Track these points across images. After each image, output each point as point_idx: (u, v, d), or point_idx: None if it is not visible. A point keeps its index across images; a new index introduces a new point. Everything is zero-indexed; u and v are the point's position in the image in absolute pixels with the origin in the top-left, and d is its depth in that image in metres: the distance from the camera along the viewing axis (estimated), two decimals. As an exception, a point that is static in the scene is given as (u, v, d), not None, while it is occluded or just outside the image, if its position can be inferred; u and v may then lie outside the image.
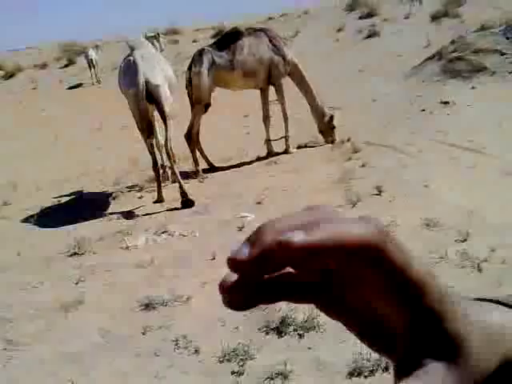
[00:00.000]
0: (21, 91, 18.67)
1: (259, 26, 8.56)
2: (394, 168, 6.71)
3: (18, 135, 13.78)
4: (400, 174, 6.51)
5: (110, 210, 6.31)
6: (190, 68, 7.63)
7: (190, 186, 7.00)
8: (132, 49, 6.73)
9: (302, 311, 3.55)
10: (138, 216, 6.07)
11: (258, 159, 8.04)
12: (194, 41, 21.53)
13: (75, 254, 5.04)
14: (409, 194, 5.74)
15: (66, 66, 21.12)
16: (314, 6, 26.38)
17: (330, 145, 8.18)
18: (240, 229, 5.24)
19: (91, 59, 18.31)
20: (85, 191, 7.53)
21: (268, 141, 8.17)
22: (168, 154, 6.59)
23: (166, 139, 6.57)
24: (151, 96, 6.33)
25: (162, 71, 6.65)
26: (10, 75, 20.43)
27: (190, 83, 7.60)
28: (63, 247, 5.18)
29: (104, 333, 3.63)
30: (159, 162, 6.92)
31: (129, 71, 6.45)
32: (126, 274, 4.51)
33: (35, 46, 24.68)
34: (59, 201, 7.13)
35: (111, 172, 8.54)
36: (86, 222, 5.98)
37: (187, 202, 6.29)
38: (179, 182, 6.39)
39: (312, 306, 0.39)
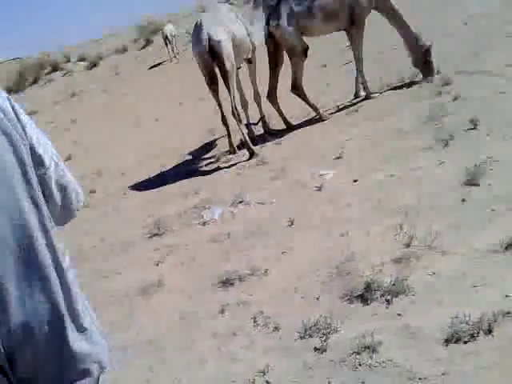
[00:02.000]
0: (104, 79, 19.32)
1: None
2: (490, 97, 5.97)
3: (102, 122, 14.29)
4: (498, 102, 5.77)
5: (185, 186, 6.23)
6: (267, 22, 7.26)
7: (267, 149, 6.76)
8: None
9: (388, 274, 3.21)
10: (214, 187, 5.95)
11: (339, 109, 7.58)
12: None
13: (155, 234, 5.01)
14: (509, 124, 5.05)
15: (144, 46, 21.48)
16: None
17: (420, 81, 7.47)
18: (318, 188, 4.92)
19: (166, 36, 18.43)
20: (164, 169, 7.54)
21: (361, 84, 7.67)
22: (233, 113, 6.79)
23: (231, 98, 6.79)
24: (214, 52, 6.58)
25: (226, 29, 6.78)
26: (92, 65, 21.19)
27: (271, 38, 7.26)
28: (144, 229, 5.18)
29: (182, 315, 3.53)
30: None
31: (195, 32, 6.84)
32: (203, 251, 4.38)
33: (114, 29, 25.33)
34: (140, 183, 7.20)
35: (189, 146, 8.51)
36: (164, 202, 5.95)
37: (252, 154, 6.67)
38: (244, 139, 6.78)
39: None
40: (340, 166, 5.35)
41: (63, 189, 1.36)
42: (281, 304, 3.31)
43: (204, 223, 4.97)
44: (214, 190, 5.87)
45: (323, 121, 7.26)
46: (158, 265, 4.34)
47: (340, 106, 7.67)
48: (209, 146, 8.06)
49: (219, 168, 6.73)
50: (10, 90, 21.17)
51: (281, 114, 7.60)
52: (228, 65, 6.66)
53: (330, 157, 5.70)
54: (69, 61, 22.11)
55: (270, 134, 7.43)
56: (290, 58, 7.31)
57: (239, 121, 6.88)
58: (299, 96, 7.42)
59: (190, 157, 7.91)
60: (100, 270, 4.59)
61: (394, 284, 3.08)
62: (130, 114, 14.58)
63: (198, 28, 6.73)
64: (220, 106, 6.97)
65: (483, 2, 10.92)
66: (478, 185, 3.99)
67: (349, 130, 6.47)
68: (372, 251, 3.54)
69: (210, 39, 6.57)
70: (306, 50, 7.27)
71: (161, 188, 6.74)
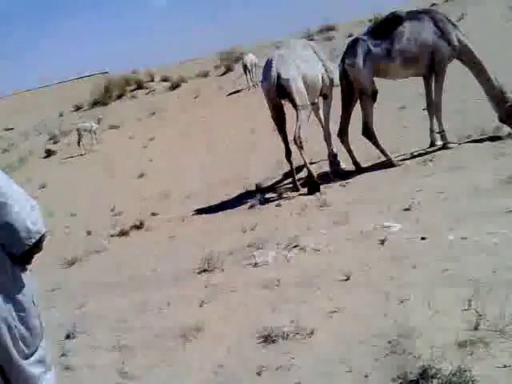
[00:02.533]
0: (184, 101, 19.67)
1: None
2: None
3: (177, 143, 14.43)
4: None
5: (243, 221, 5.97)
6: (343, 60, 7.05)
7: (332, 191, 6.41)
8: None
9: (449, 360, 2.76)
10: (272, 225, 5.65)
11: (412, 156, 7.12)
12: (350, 35, 20.66)
13: (205, 270, 4.77)
14: None
15: (225, 73, 21.78)
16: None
17: (503, 137, 6.90)
18: (382, 242, 4.49)
19: (245, 65, 18.58)
20: (227, 199, 7.36)
21: (434, 132, 7.22)
22: (295, 140, 6.79)
23: (296, 128, 6.79)
24: (283, 89, 6.68)
25: (297, 67, 6.87)
26: (175, 86, 21.69)
27: (345, 76, 7.02)
28: (195, 263, 4.95)
29: (217, 369, 3.23)
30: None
31: (265, 68, 7.03)
32: (250, 296, 4.07)
33: (200, 56, 25.93)
34: (201, 210, 7.05)
35: (255, 176, 8.30)
36: (220, 234, 5.73)
37: (312, 186, 6.57)
38: (306, 165, 6.82)
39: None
40: (407, 220, 4.90)
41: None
42: (323, 375, 2.93)
43: (255, 264, 4.67)
44: (272, 228, 5.57)
45: (394, 166, 6.83)
46: (201, 305, 4.07)
47: (414, 153, 7.20)
48: (274, 179, 7.82)
49: (280, 205, 6.44)
50: (96, 103, 22.09)
51: (350, 153, 7.25)
52: (298, 100, 6.73)
53: (397, 207, 5.27)
54: (153, 80, 22.77)
55: (336, 175, 7.09)
56: (361, 99, 7.00)
57: (301, 147, 6.79)
58: (369, 139, 7.05)
59: (254, 188, 7.69)
60: (146, 302, 4.38)
61: (454, 374, 2.63)
62: (204, 137, 14.69)
63: (268, 65, 6.85)
64: (285, 141, 6.95)
65: None
66: None
67: (420, 181, 6.01)
68: (433, 328, 3.09)
69: (278, 77, 6.66)
70: (375, 93, 6.96)
71: (220, 217, 6.54)
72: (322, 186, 6.66)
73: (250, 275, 4.47)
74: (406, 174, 6.42)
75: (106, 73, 25.08)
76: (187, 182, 9.55)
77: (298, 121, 6.84)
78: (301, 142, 6.80)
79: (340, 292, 3.81)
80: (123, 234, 6.59)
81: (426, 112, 7.84)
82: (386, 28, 6.91)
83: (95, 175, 13.02)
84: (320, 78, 7.29)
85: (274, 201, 6.67)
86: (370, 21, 21.67)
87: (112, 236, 6.69)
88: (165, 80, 22.54)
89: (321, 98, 7.72)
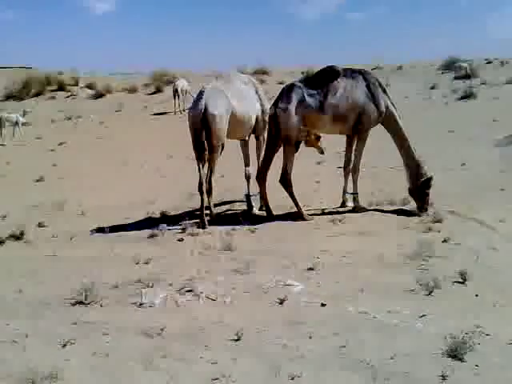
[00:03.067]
0: (106, 112, 18.74)
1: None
2: (482, 250, 5.35)
3: (88, 154, 13.52)
4: (490, 259, 5.15)
5: (139, 250, 5.37)
6: (275, 104, 6.73)
7: (239, 235, 5.99)
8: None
9: None
10: (169, 261, 5.11)
11: (323, 213, 6.92)
12: (281, 82, 20.90)
13: (80, 302, 4.10)
14: (502, 290, 4.39)
15: (154, 93, 21.15)
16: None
17: (408, 209, 6.91)
18: (281, 302, 4.11)
19: (176, 89, 18.13)
20: (126, 223, 6.71)
21: (346, 192, 7.11)
22: (200, 185, 6.53)
23: (207, 172, 6.56)
24: (206, 123, 6.36)
25: (228, 103, 6.57)
26: (99, 95, 20.70)
27: (274, 120, 6.70)
28: (71, 291, 4.26)
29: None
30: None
31: (197, 96, 6.66)
32: (125, 344, 3.48)
33: (130, 72, 25.06)
34: (93, 230, 6.34)
35: (162, 204, 7.73)
36: (109, 262, 5.09)
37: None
38: (210, 208, 6.64)
39: None
40: (310, 281, 4.57)
41: None
42: None
43: (140, 305, 4.09)
44: (168, 264, 5.02)
45: (304, 220, 6.58)
46: (64, 346, 3.42)
47: (324, 210, 7.02)
48: (182, 212, 7.29)
49: (182, 239, 5.92)
50: (10, 96, 20.50)
51: (264, 198, 6.94)
52: (214, 140, 6.45)
53: (301, 265, 4.94)
54: (76, 84, 21.62)
55: (247, 218, 6.73)
56: (284, 146, 6.74)
57: (208, 194, 6.59)
58: (285, 188, 6.77)
59: (158, 216, 7.10)
60: (4, 331, 3.64)
61: None
62: (119, 153, 13.88)
63: (199, 95, 6.57)
64: (200, 171, 6.54)
65: (478, 148, 10.72)
66: (463, 360, 3.22)
67: (328, 240, 5.77)
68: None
69: (205, 109, 6.38)
70: (298, 143, 6.74)
71: (114, 242, 5.88)
72: (229, 227, 6.25)
73: (132, 317, 3.88)
74: (315, 231, 6.18)
75: (30, 68, 23.47)
76: (88, 196, 8.75)
77: (210, 163, 6.52)
78: (209, 189, 6.58)
79: (227, 355, 3.33)
80: (2, 240, 5.72)
81: (340, 171, 7.79)
82: (321, 80, 6.76)
83: None
84: (254, 117, 7.00)
85: (176, 233, 6.12)
86: (303, 73, 22.19)
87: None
88: (89, 87, 21.46)
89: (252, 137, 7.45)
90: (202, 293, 4.25)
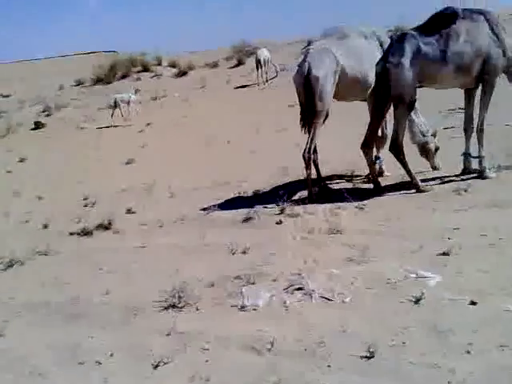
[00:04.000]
0: (190, 89, 18.32)
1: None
2: None
3: (175, 133, 13.12)
4: None
5: (234, 237, 4.65)
6: (384, 58, 5.69)
7: (345, 217, 5.09)
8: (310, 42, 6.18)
9: None
10: (270, 250, 4.34)
11: (442, 182, 5.83)
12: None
13: (173, 306, 3.46)
14: None
15: (236, 65, 20.43)
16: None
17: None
18: (416, 300, 3.20)
19: (259, 60, 17.26)
20: (217, 204, 6.03)
21: (469, 156, 5.98)
22: (303, 156, 5.90)
23: (307, 140, 5.89)
24: (310, 87, 5.70)
25: (332, 64, 5.79)
26: (182, 73, 20.36)
27: (383, 77, 5.65)
28: (162, 292, 3.63)
29: None
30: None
31: (301, 58, 5.97)
32: (229, 363, 2.77)
33: (209, 49, 24.46)
34: (183, 216, 5.72)
35: (255, 182, 7.00)
36: (202, 254, 4.41)
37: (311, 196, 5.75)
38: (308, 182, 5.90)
39: None
40: (448, 270, 3.60)
41: None
42: None
43: (242, 307, 3.37)
44: (269, 254, 4.26)
45: (420, 192, 5.54)
46: (156, 367, 2.76)
47: (445, 179, 5.91)
48: (277, 189, 6.51)
49: (281, 222, 5.13)
50: (99, 80, 20.70)
51: (372, 168, 5.98)
52: (318, 105, 5.72)
53: (431, 249, 3.97)
54: (160, 64, 21.40)
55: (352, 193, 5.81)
56: (396, 108, 5.66)
57: (307, 166, 5.90)
58: (396, 156, 5.74)
59: (252, 196, 6.38)
60: (80, 346, 3.07)
61: None
62: (204, 130, 13.35)
63: (304, 55, 5.89)
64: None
65: None
66: None
67: (456, 216, 4.71)
68: None
69: (308, 71, 5.70)
70: (413, 102, 5.63)
71: (205, 228, 5.22)
72: (333, 206, 5.37)
73: (233, 324, 3.16)
74: (436, 205, 5.12)
75: (115, 52, 23.64)
76: (176, 177, 8.22)
77: (310, 133, 5.87)
78: (309, 159, 5.90)
79: (359, 381, 2.51)
80: (85, 233, 5.25)
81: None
82: (437, 25, 5.59)
83: (80, 155, 11.65)
84: (373, 75, 6.01)
85: (274, 215, 5.34)
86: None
87: (71, 234, 5.35)
88: (172, 66, 21.18)
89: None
90: (314, 291, 3.44)
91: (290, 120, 13.56)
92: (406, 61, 5.41)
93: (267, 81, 17.80)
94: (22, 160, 11.54)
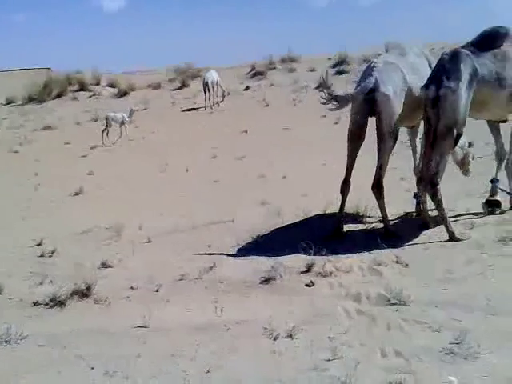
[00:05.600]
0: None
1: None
2: None
3: (123, 157, 11.60)
4: None
5: (260, 313, 3.41)
6: (437, 81, 4.67)
7: (390, 275, 4.02)
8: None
9: None
10: (328, 338, 3.14)
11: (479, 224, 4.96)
12: (312, 69, 18.82)
13: None
14: None
15: (180, 88, 19.10)
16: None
17: None
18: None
19: (206, 82, 16.11)
20: (215, 254, 4.77)
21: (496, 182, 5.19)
22: (373, 186, 4.92)
23: (377, 167, 4.95)
24: (374, 105, 4.82)
25: (403, 80, 4.96)
26: (122, 93, 18.71)
27: (435, 104, 4.65)
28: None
29: None
30: None
31: (364, 73, 5.14)
32: None
33: (149, 69, 22.89)
34: (181, 275, 4.35)
35: (244, 223, 5.81)
36: (234, 345, 3.11)
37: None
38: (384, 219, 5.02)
39: None
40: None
41: None
42: None
43: None
44: (327, 339, 3.06)
45: (457, 240, 4.62)
46: None
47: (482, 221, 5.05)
48: (279, 233, 5.34)
49: (312, 284, 3.95)
50: (32, 99, 18.53)
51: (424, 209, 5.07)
52: (387, 126, 4.82)
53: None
54: (98, 84, 19.60)
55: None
56: (442, 139, 4.67)
57: (379, 196, 4.93)
58: (433, 197, 4.78)
59: (252, 242, 5.17)
60: None
61: None
62: (156, 155, 11.91)
63: (368, 70, 4.99)
64: (351, 167, 5.09)
65: None
66: None
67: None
68: None
69: (375, 88, 4.76)
70: (460, 135, 4.73)
71: (216, 294, 3.93)
72: (367, 256, 4.31)
73: None
74: (490, 259, 4.20)
75: (49, 69, 21.42)
76: (141, 214, 6.84)
77: (380, 156, 4.93)
78: (381, 188, 4.91)
79: None
80: (55, 303, 3.78)
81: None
82: (490, 44, 4.75)
83: (18, 184, 9.83)
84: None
85: (300, 273, 4.15)
86: (329, 59, 20.02)
87: (35, 304, 3.83)
88: (111, 86, 19.43)
89: None
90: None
91: (246, 147, 12.62)
92: (464, 85, 4.49)
93: (214, 104, 16.68)
94: None
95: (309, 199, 7.10)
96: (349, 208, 5.42)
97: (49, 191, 9.32)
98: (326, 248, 4.47)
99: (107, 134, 13.39)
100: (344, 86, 17.32)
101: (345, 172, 5.10)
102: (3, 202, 8.52)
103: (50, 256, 5.20)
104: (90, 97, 18.85)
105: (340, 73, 17.83)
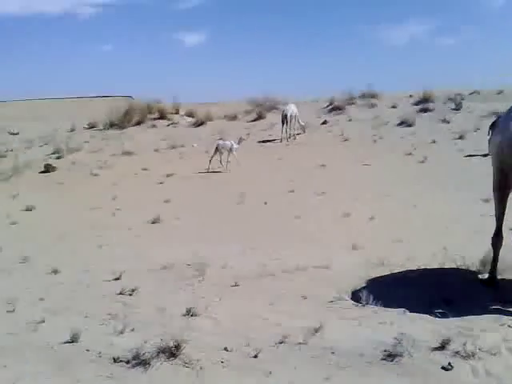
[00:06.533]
0: (209, 140, 16.49)
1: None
2: None
3: (200, 187, 11.15)
4: None
5: None
6: None
7: None
8: None
9: None
10: None
11: None
12: (393, 106, 17.92)
13: None
14: None
15: (256, 119, 18.77)
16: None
17: None
18: None
19: (286, 114, 15.64)
20: (317, 313, 3.97)
21: None
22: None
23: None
24: None
25: None
26: (200, 123, 18.62)
27: None
28: None
29: None
30: None
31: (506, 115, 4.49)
32: None
33: (226, 100, 22.78)
34: (282, 337, 3.60)
35: (343, 272, 5.02)
36: None
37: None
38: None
39: None
40: None
41: None
42: None
43: None
44: None
45: None
46: None
47: None
48: (384, 288, 4.49)
49: (449, 367, 3.07)
50: (113, 125, 18.83)
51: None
52: None
53: None
54: (177, 113, 19.65)
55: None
56: None
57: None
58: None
59: (361, 299, 4.34)
60: None
61: None
62: (232, 185, 11.44)
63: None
64: (501, 216, 4.44)
65: None
66: None
67: None
68: None
69: None
70: None
71: (328, 369, 3.15)
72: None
73: None
74: None
75: (130, 97, 21.87)
76: (223, 248, 6.25)
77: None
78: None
79: None
80: (139, 362, 3.14)
81: None
82: None
83: (96, 209, 9.58)
84: None
85: (431, 350, 3.27)
86: (411, 96, 19.04)
87: (116, 361, 3.19)
88: (190, 115, 19.42)
89: None
90: None
91: (325, 181, 11.87)
92: None
93: (290, 137, 16.14)
94: (28, 209, 9.40)
95: (406, 246, 6.25)
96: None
97: (126, 217, 8.99)
98: (454, 311, 3.58)
99: (220, 160, 13.24)
100: (428, 124, 16.58)
101: (495, 222, 4.29)
102: (81, 227, 8.23)
103: (129, 294, 4.62)
104: (169, 125, 18.90)
105: (424, 110, 16.81)
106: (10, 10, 55.36)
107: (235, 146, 13.50)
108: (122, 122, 18.78)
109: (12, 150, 16.16)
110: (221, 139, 14.06)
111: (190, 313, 4.05)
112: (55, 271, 5.44)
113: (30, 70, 47.95)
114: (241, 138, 14.03)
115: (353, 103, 18.17)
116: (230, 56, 53.09)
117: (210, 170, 13.08)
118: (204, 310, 4.14)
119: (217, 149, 13.32)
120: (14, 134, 19.39)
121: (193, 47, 56.94)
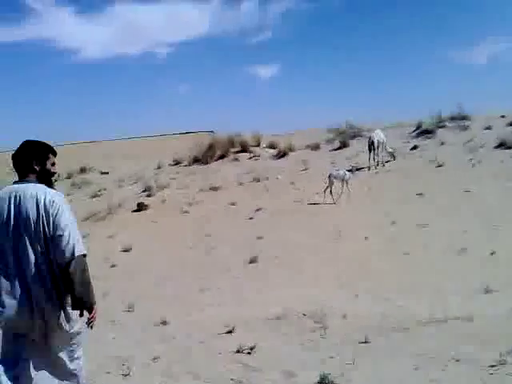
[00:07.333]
0: (292, 172, 16.06)
1: None
2: None
3: (293, 223, 10.60)
4: None
5: None
6: None
7: None
8: None
9: None
10: None
11: None
12: (488, 127, 16.58)
13: None
14: None
15: (339, 148, 18.12)
16: None
17: None
18: None
19: (372, 141, 14.90)
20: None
21: None
22: None
23: None
24: None
25: None
26: (281, 154, 18.27)
27: None
28: None
29: None
30: None
31: None
32: None
33: (308, 130, 22.30)
34: None
35: (481, 325, 4.20)
36: None
37: None
38: None
39: None
40: None
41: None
42: None
43: None
44: None
45: None
46: None
47: None
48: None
49: None
50: (196, 160, 18.96)
51: None
52: None
53: None
54: (258, 145, 19.48)
55: None
56: None
57: None
58: None
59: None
60: None
61: None
62: (322, 219, 10.83)
63: None
64: None
65: None
66: None
67: None
68: None
69: None
70: None
71: None
72: None
73: None
74: None
75: (211, 132, 22.08)
76: (335, 292, 5.61)
77: None
78: None
79: None
80: None
81: None
82: None
83: (192, 247, 9.34)
84: None
85: None
86: (503, 117, 17.60)
87: None
88: (271, 147, 19.15)
89: None
90: None
91: (426, 212, 10.93)
92: None
93: (378, 164, 15.31)
94: (126, 249, 9.34)
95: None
96: None
97: (222, 256, 8.65)
98: None
99: (330, 191, 12.54)
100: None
101: None
102: (178, 268, 7.97)
103: (248, 353, 4.11)
104: (251, 158, 18.71)
105: (519, 131, 15.38)
106: (91, 55, 59.29)
107: (348, 174, 12.75)
108: (205, 157, 18.86)
109: (105, 189, 16.63)
110: (337, 169, 13.26)
111: (325, 380, 3.45)
112: (163, 322, 5.08)
113: (110, 110, 50.78)
114: (353, 167, 13.31)
115: (443, 126, 17.01)
116: (304, 86, 52.99)
117: (326, 202, 12.32)
118: (340, 377, 3.53)
119: (330, 179, 12.56)
120: (104, 173, 20.10)
121: (267, 79, 57.68)
